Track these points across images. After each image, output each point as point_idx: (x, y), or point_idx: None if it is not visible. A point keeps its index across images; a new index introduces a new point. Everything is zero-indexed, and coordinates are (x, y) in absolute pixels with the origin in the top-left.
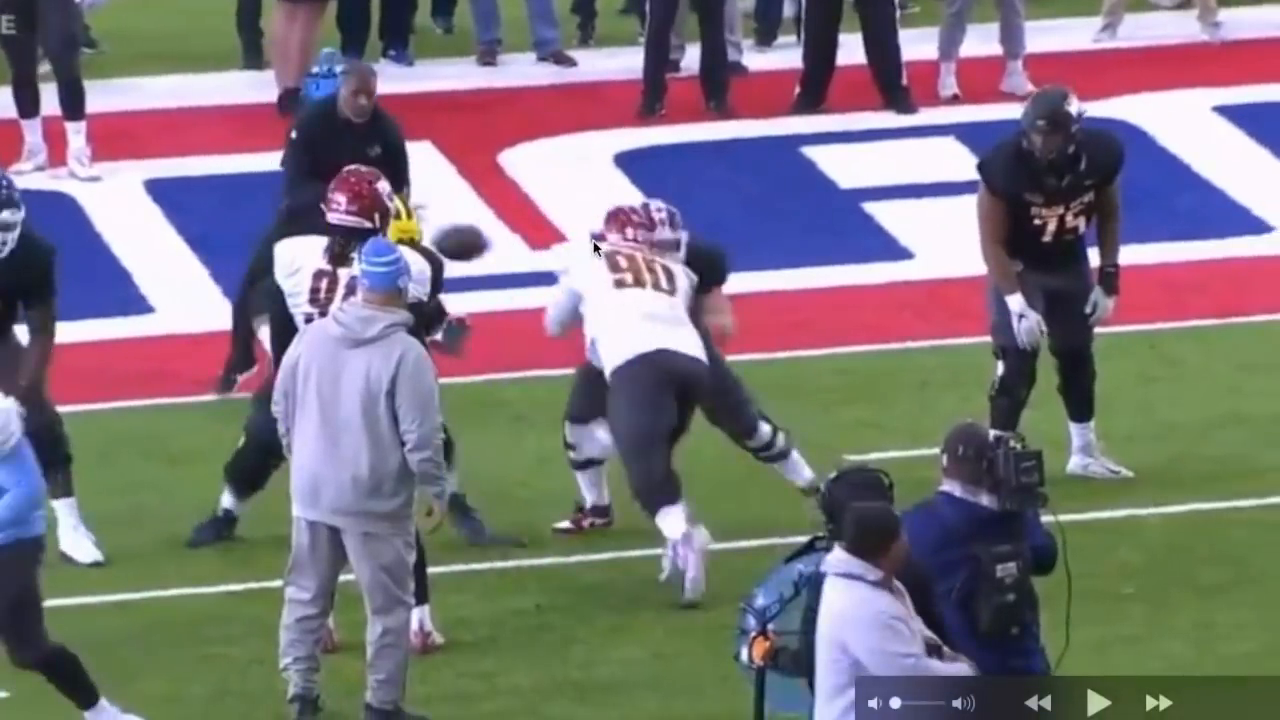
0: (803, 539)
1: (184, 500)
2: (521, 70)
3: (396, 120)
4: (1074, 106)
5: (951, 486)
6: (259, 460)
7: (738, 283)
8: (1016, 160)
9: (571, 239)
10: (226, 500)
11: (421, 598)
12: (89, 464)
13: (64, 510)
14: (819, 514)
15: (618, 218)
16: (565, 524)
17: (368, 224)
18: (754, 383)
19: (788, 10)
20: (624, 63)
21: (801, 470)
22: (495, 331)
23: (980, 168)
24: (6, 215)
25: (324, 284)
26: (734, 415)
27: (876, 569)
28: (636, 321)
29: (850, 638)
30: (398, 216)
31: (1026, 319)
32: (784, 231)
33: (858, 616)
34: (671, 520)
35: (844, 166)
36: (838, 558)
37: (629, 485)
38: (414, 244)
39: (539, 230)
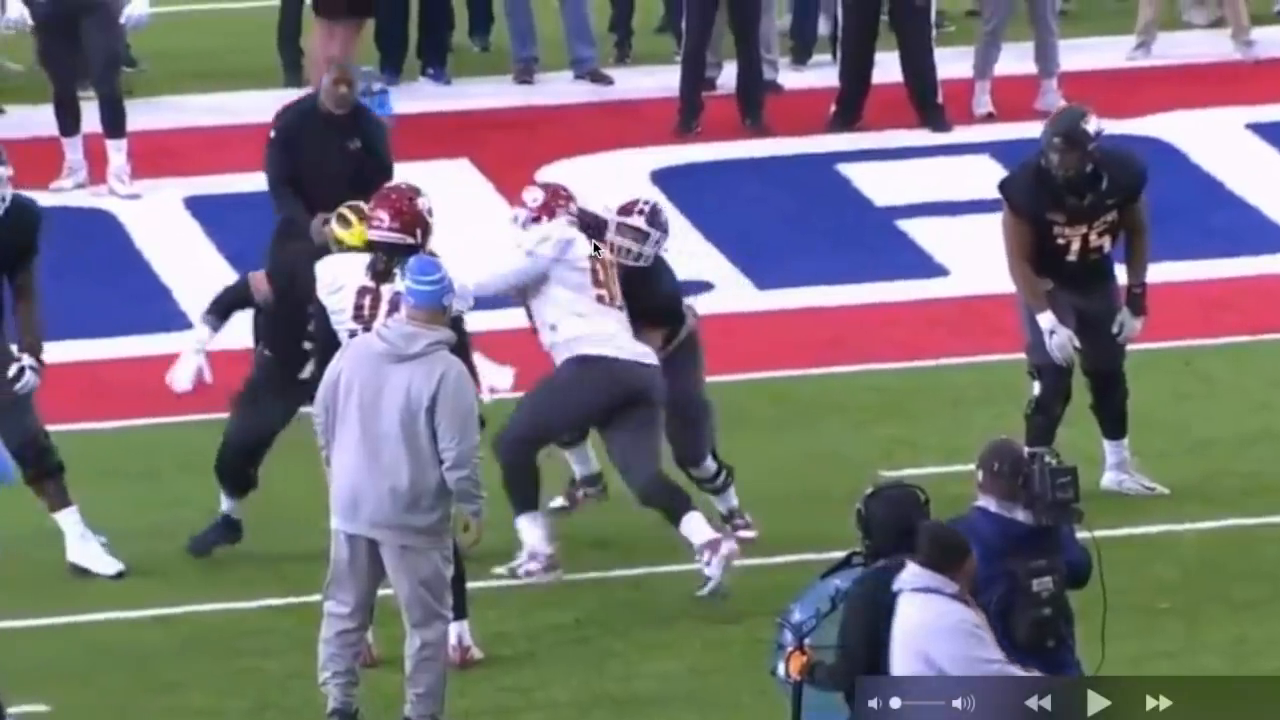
0: (839, 554)
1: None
2: (558, 88)
3: (378, 117)
4: (1092, 125)
5: (987, 502)
6: (238, 463)
7: (774, 299)
8: (1037, 179)
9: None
10: (224, 504)
11: (460, 612)
12: (129, 478)
13: (68, 521)
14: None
15: (557, 203)
16: (560, 501)
17: (410, 239)
18: (788, 399)
19: (823, 28)
20: (660, 81)
21: (730, 500)
22: (532, 348)
23: (1002, 187)
24: (3, 170)
25: (368, 300)
26: (688, 441)
27: (953, 582)
28: (608, 336)
29: (934, 648)
30: (364, 220)
31: (1058, 334)
32: (818, 248)
33: (941, 627)
34: (533, 532)
35: (879, 184)
36: (913, 573)
37: (498, 453)
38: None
39: None
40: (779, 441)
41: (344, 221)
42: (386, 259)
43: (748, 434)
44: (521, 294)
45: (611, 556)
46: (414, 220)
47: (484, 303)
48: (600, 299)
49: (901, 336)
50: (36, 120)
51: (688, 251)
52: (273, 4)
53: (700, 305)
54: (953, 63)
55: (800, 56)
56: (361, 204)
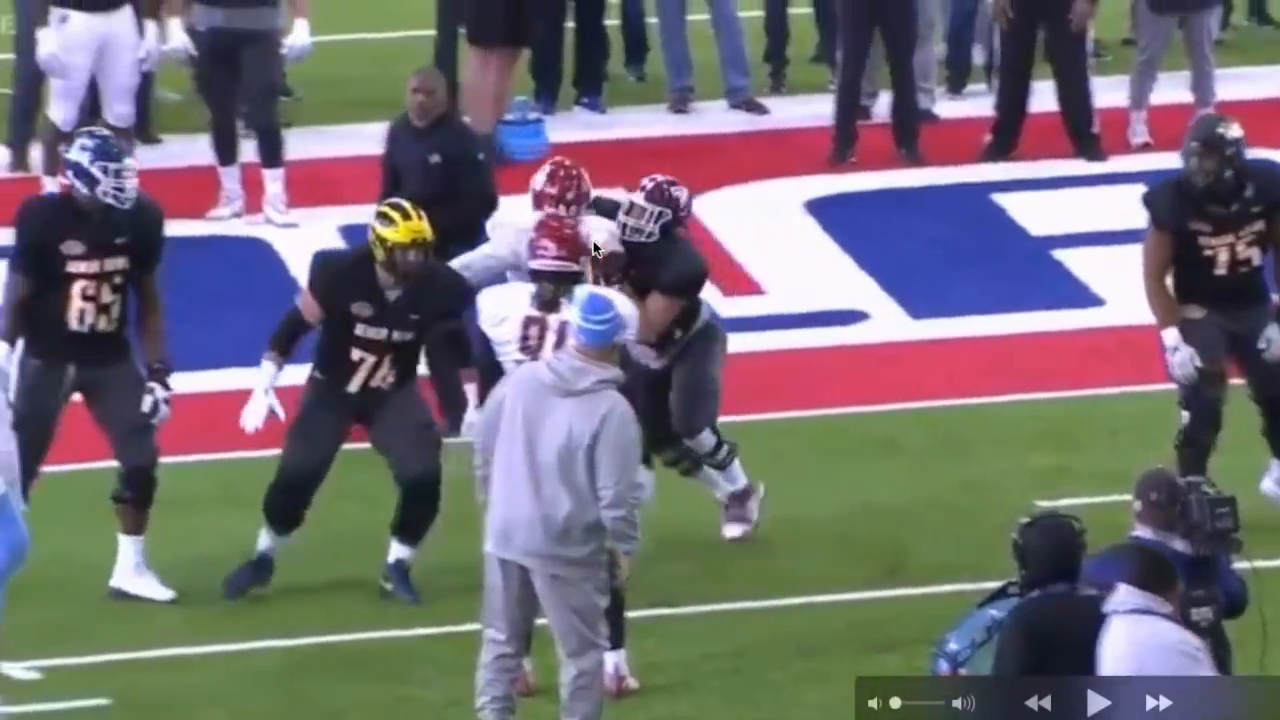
0: (995, 584)
1: (383, 541)
2: (713, 118)
3: (468, 133)
4: (1231, 131)
5: (1144, 531)
6: (287, 499)
7: (929, 328)
8: (1177, 191)
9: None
10: (264, 542)
11: (617, 641)
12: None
13: (132, 549)
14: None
15: (545, 201)
16: (735, 530)
17: (575, 267)
18: (943, 428)
19: (978, 58)
20: (815, 110)
21: (736, 480)
22: None
23: (1145, 200)
24: (130, 161)
25: (534, 331)
26: (690, 412)
27: (1166, 603)
28: None
29: (1152, 668)
30: (407, 217)
31: (1180, 352)
32: (974, 278)
33: (1159, 645)
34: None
35: (1034, 213)
36: (1126, 594)
37: None
38: (425, 246)
39: (731, 277)
40: (934, 471)
41: (386, 220)
42: (553, 288)
43: (902, 463)
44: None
45: (766, 586)
46: (579, 247)
47: None
48: None
49: (1057, 366)
50: (194, 149)
51: (842, 281)
52: (428, 33)
53: (855, 334)
54: (1109, 92)
55: (955, 85)
56: (403, 201)
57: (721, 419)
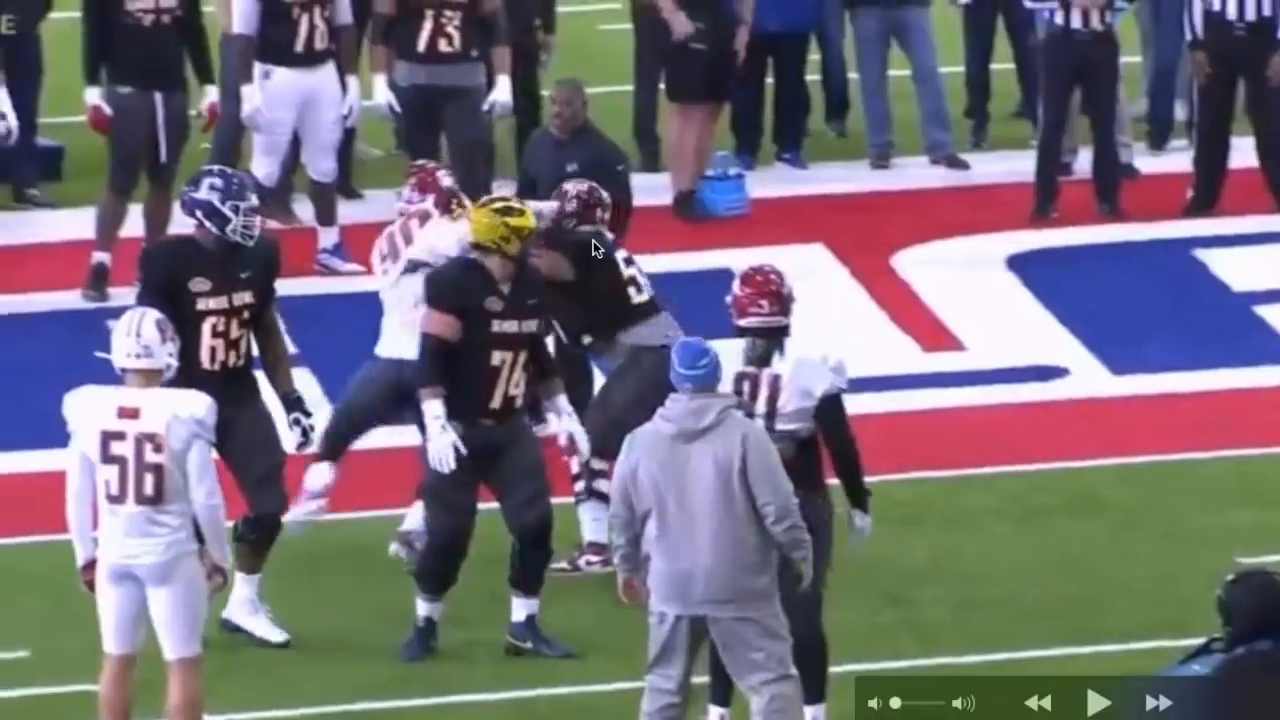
0: (1198, 641)
1: (582, 597)
2: (914, 173)
3: (607, 145)
4: None
5: None
6: (444, 563)
7: (1130, 384)
8: None
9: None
10: (422, 608)
11: (820, 695)
12: (486, 563)
13: (248, 586)
14: None
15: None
16: (563, 564)
17: (786, 321)
18: (1145, 484)
19: (1179, 113)
20: (1016, 166)
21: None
22: (886, 432)
23: None
24: (254, 200)
25: (746, 386)
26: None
27: None
28: None
29: None
30: (522, 203)
31: None
32: (1175, 334)
33: None
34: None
35: (1236, 269)
36: None
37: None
38: (526, 236)
39: (931, 332)
40: (1137, 526)
41: (514, 212)
42: (766, 344)
43: (1103, 519)
44: None
45: (965, 642)
46: (789, 303)
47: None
48: None
49: (1260, 422)
50: (396, 204)
51: (1043, 336)
52: (627, 89)
53: (1056, 390)
54: None
55: (1157, 141)
56: (501, 194)
57: (922, 475)
